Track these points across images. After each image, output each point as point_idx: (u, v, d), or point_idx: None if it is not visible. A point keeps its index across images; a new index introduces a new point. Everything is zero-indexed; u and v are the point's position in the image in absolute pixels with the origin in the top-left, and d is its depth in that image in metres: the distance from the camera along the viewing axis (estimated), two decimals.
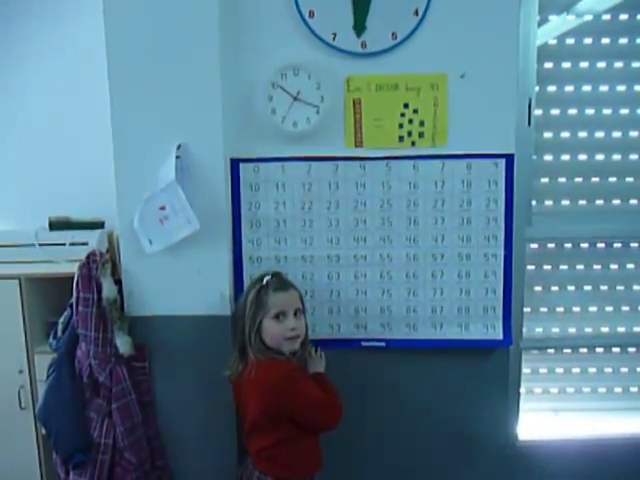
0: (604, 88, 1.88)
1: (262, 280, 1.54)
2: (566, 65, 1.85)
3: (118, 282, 1.70)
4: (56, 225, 2.50)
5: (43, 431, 2.11)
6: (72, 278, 1.68)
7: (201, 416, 1.73)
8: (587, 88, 1.87)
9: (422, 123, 1.71)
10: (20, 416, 2.26)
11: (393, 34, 1.66)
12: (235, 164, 1.72)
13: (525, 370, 1.97)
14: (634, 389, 2.05)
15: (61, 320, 1.79)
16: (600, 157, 1.91)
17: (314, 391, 1.52)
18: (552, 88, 1.85)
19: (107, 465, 1.65)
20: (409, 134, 1.72)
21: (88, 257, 1.67)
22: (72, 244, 2.40)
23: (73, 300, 1.67)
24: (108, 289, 1.65)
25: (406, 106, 1.71)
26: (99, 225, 2.49)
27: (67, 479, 1.69)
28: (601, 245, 1.96)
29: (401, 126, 1.72)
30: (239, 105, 1.69)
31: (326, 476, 1.65)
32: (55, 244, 2.43)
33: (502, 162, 1.73)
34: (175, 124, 1.63)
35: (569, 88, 1.86)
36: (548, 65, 1.84)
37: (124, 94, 1.63)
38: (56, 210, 2.54)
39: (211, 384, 1.64)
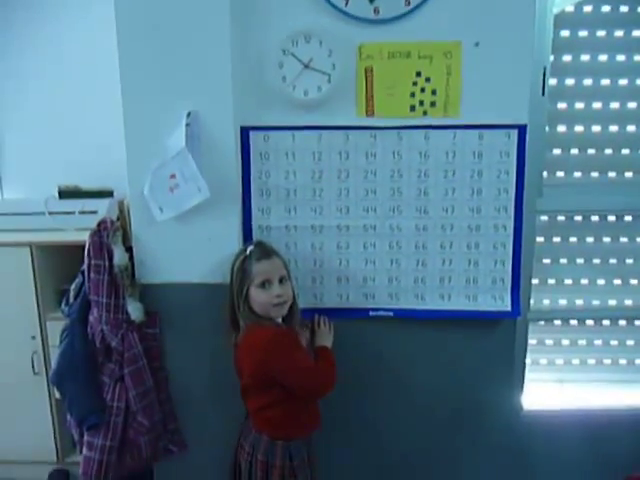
0: (621, 57, 1.84)
1: (246, 250, 1.56)
2: (583, 33, 1.82)
3: (129, 249, 1.71)
4: (65, 194, 2.51)
5: (57, 395, 2.17)
6: (82, 246, 1.69)
7: (211, 380, 1.77)
8: (603, 57, 1.84)
9: (434, 92, 1.69)
10: (34, 381, 2.31)
11: (406, 0, 1.62)
12: (245, 132, 1.71)
13: (531, 341, 1.98)
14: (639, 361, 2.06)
15: (72, 287, 1.81)
16: (614, 128, 1.88)
17: (301, 357, 1.54)
18: (568, 57, 1.82)
19: (120, 427, 1.69)
20: (421, 103, 1.70)
21: (99, 225, 1.68)
22: (81, 212, 2.42)
23: (85, 267, 1.69)
24: (119, 256, 1.66)
25: (418, 74, 1.68)
26: (108, 194, 2.49)
27: (81, 441, 1.74)
28: (612, 218, 1.95)
29: (413, 95, 1.69)
30: (249, 72, 1.67)
31: (328, 442, 1.69)
32: (65, 212, 2.44)
33: (514, 133, 1.71)
34: (185, 91, 1.62)
35: (585, 57, 1.83)
36: (564, 33, 1.81)
37: (134, 62, 1.62)
38: (65, 179, 2.55)
39: (219, 349, 1.66)
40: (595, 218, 1.94)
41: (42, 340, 2.30)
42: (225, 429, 1.76)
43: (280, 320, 1.59)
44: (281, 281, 1.55)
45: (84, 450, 1.70)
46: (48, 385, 2.31)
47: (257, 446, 1.55)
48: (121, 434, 1.69)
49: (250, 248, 1.56)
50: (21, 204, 2.49)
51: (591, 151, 1.89)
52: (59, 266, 2.34)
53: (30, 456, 2.41)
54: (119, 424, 1.68)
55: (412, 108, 1.71)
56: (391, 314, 1.83)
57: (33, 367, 2.30)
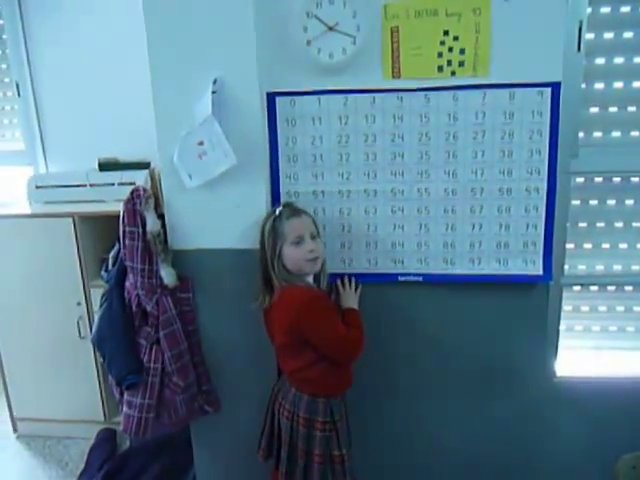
0: None
1: (275, 212, 1.60)
2: None
3: (162, 216, 1.76)
4: (105, 166, 2.61)
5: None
6: None
7: (242, 343, 1.82)
8: None
9: (462, 51, 1.64)
10: (80, 344, 2.45)
11: None
12: (271, 98, 1.71)
13: (566, 307, 1.94)
14: None
15: (111, 254, 1.88)
16: None
17: (334, 323, 1.57)
18: (606, 9, 1.72)
19: (157, 387, 1.76)
20: (449, 63, 1.66)
21: (132, 193, 1.73)
22: (120, 184, 2.51)
23: (120, 234, 1.75)
24: (152, 223, 1.71)
25: (446, 33, 1.63)
26: (145, 165, 2.57)
27: (122, 399, 1.83)
28: None
29: (440, 55, 1.65)
30: (274, 37, 1.66)
31: (357, 406, 1.72)
32: (105, 184, 2.54)
33: (548, 91, 1.65)
34: (210, 59, 1.62)
35: (625, 9, 1.72)
36: None
37: (160, 31, 1.63)
38: (105, 152, 2.64)
39: (250, 313, 1.70)
40: (635, 179, 1.86)
41: (87, 306, 2.42)
42: (257, 390, 1.82)
43: (311, 279, 1.62)
44: (312, 237, 1.58)
45: (124, 408, 1.79)
46: (94, 349, 2.43)
47: (299, 404, 1.60)
48: (158, 394, 1.76)
49: (279, 209, 1.60)
50: (64, 177, 2.60)
51: (631, 109, 1.80)
52: (101, 236, 2.44)
53: (79, 415, 2.56)
54: (156, 384, 1.76)
55: (440, 68, 1.66)
56: (420, 279, 1.82)
57: (79, 331, 2.43)
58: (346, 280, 1.77)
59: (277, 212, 1.59)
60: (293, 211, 1.60)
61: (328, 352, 1.57)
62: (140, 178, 2.46)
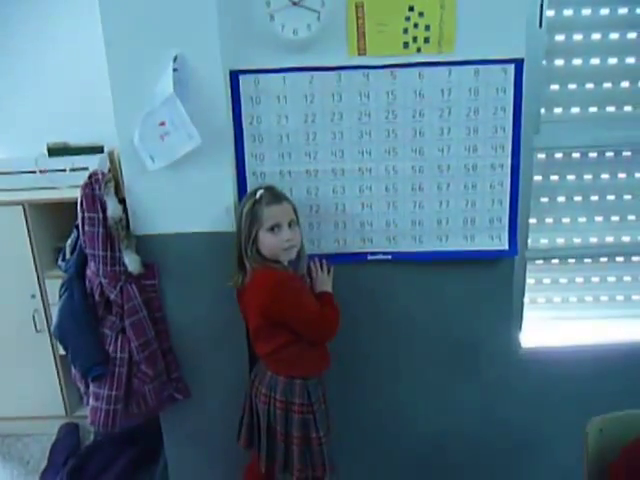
0: None
1: (255, 194, 1.55)
2: None
3: (123, 201, 1.69)
4: (54, 151, 2.49)
5: (61, 351, 2.19)
6: (75, 203, 1.67)
7: (212, 328, 1.78)
8: None
9: (428, 27, 1.63)
10: (37, 338, 2.35)
11: None
12: (234, 76, 1.66)
13: (529, 280, 1.99)
14: (636, 297, 2.07)
15: (68, 242, 1.80)
16: (613, 61, 1.81)
17: (308, 302, 1.57)
18: None
19: (125, 377, 1.71)
20: (414, 40, 1.64)
21: (90, 177, 1.66)
22: (72, 170, 2.40)
23: (79, 220, 1.67)
24: (112, 208, 1.64)
25: (411, 9, 1.62)
26: (98, 150, 2.47)
27: (87, 391, 1.76)
28: (610, 154, 1.91)
29: (406, 31, 1.63)
30: (236, 12, 1.60)
31: (331, 385, 1.72)
32: (55, 170, 2.42)
33: (511, 68, 1.66)
34: (170, 35, 1.55)
35: None
36: None
37: (114, 5, 1.55)
38: (53, 136, 2.52)
39: (219, 297, 1.67)
40: (593, 155, 1.91)
41: (42, 298, 2.32)
42: (228, 374, 1.80)
43: (286, 262, 1.60)
44: (290, 225, 1.55)
45: (90, 401, 1.73)
46: (52, 342, 2.34)
47: (275, 387, 1.58)
48: (126, 384, 1.71)
49: (260, 192, 1.55)
50: (11, 163, 2.47)
51: (589, 85, 1.84)
52: (54, 224, 2.34)
53: (39, 412, 2.47)
54: (123, 374, 1.70)
55: (405, 45, 1.65)
56: (389, 257, 1.82)
57: (35, 325, 2.33)
58: (317, 264, 1.75)
59: (258, 195, 1.54)
60: (274, 196, 1.56)
61: (303, 331, 1.56)
62: (93, 163, 2.35)
